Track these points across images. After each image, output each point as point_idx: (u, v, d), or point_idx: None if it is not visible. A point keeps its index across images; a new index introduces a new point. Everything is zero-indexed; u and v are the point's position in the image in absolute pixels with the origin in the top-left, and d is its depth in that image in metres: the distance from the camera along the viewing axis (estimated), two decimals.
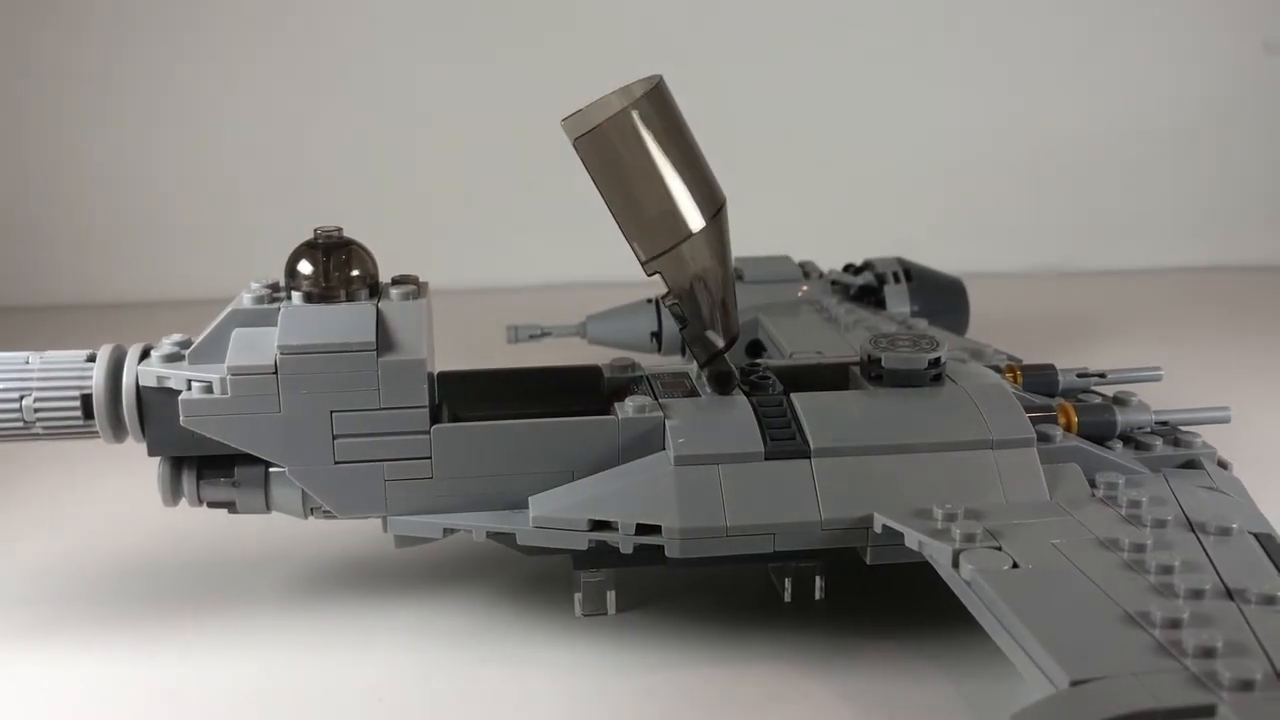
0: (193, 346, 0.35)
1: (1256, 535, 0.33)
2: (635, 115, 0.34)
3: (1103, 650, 0.27)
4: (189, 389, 0.34)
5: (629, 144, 0.34)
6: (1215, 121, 0.87)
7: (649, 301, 0.59)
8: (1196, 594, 0.29)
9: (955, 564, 0.32)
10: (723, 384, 0.38)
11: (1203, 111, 0.87)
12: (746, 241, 0.63)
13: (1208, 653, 0.26)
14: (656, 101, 0.35)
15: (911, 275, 0.60)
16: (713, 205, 0.35)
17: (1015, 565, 0.31)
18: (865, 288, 0.60)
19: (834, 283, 0.60)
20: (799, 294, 0.59)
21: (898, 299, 0.59)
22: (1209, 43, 0.86)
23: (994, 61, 0.87)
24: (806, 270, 0.62)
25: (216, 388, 0.34)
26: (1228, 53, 0.86)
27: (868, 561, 0.36)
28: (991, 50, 0.87)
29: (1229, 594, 0.29)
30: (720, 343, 0.37)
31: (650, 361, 0.44)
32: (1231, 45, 0.86)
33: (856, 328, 0.54)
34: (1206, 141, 0.87)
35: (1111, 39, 0.87)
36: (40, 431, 0.36)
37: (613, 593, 0.39)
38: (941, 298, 0.60)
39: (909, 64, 0.87)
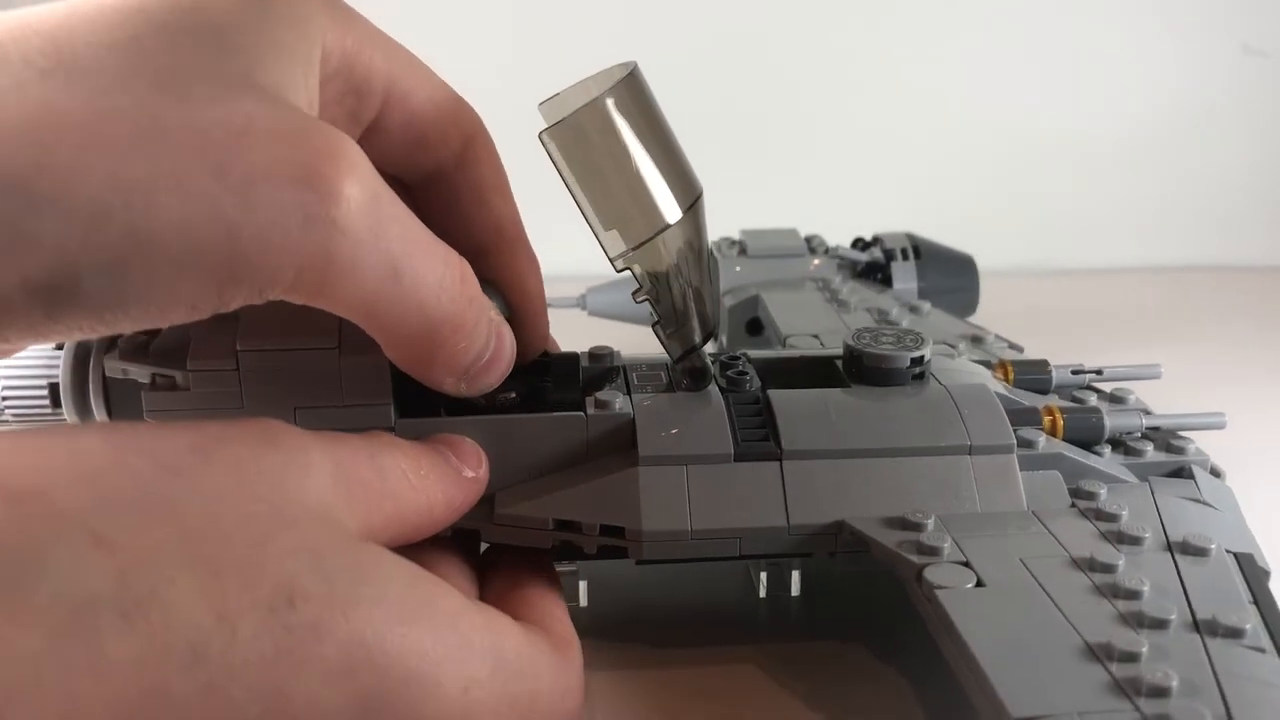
0: (157, 340, 0.35)
1: (1236, 555, 0.32)
2: (609, 104, 0.33)
3: (1053, 686, 0.26)
4: (152, 384, 0.34)
5: (603, 134, 0.33)
6: (1205, 122, 0.85)
7: None
8: (1160, 624, 0.28)
9: (919, 578, 0.31)
10: (697, 379, 0.37)
11: (1186, 111, 0.85)
12: (754, 215, 0.62)
13: (1160, 693, 0.25)
14: (631, 89, 0.33)
15: (920, 252, 0.58)
16: (689, 196, 0.34)
17: (980, 583, 0.31)
18: (872, 264, 0.59)
19: (840, 258, 0.59)
20: (810, 269, 0.58)
21: (905, 275, 0.58)
22: (1190, 43, 0.84)
23: (986, 62, 0.84)
24: (813, 245, 0.60)
25: (179, 382, 0.34)
26: (1210, 53, 0.83)
27: (837, 567, 0.35)
28: (981, 51, 0.84)
29: (1195, 625, 0.29)
30: (696, 339, 0.36)
31: (635, 355, 0.42)
32: (1212, 46, 0.83)
33: (859, 309, 0.53)
34: (1199, 142, 0.85)
35: (1095, 40, 0.84)
36: (9, 419, 0.36)
37: (585, 584, 0.39)
38: (950, 274, 0.59)
39: (908, 64, 0.84)
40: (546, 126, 0.33)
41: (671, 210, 0.34)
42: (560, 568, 0.38)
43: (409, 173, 0.34)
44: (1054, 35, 0.84)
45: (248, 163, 0.25)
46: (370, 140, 0.33)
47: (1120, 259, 0.84)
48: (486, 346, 0.32)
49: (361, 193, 0.26)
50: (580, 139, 0.33)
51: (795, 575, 0.40)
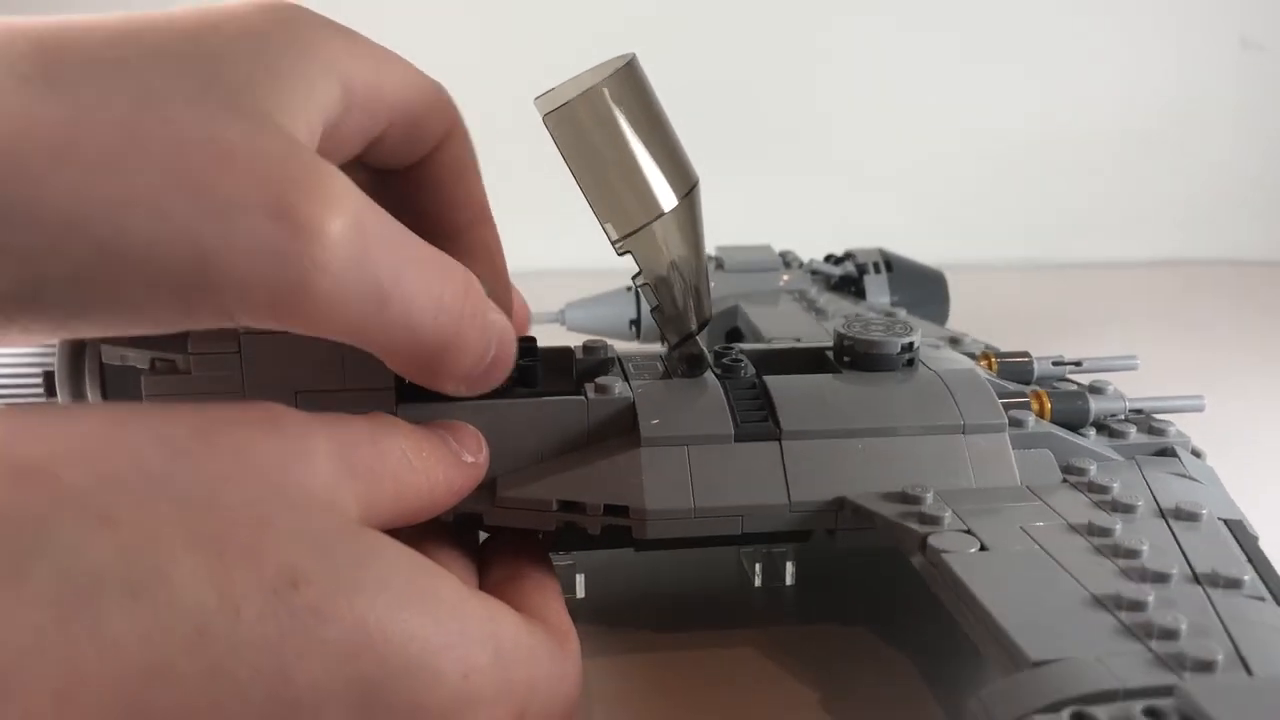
0: None
1: (1226, 522, 0.33)
2: (607, 92, 0.34)
3: (1066, 632, 0.27)
4: (152, 368, 0.34)
5: (600, 121, 0.34)
6: (1193, 116, 0.87)
7: (628, 290, 0.59)
8: (1162, 578, 0.29)
9: (923, 546, 0.32)
10: (694, 365, 0.38)
11: (1182, 106, 0.87)
12: (729, 230, 0.63)
13: (1170, 634, 0.26)
14: (629, 79, 0.34)
15: (892, 266, 0.60)
16: (685, 184, 0.35)
17: (983, 548, 0.31)
18: (846, 278, 0.60)
19: (814, 272, 0.60)
20: (780, 283, 0.59)
21: (878, 289, 0.59)
22: (1186, 38, 0.86)
23: (975, 57, 0.87)
24: (787, 260, 0.61)
25: (180, 366, 0.34)
26: (1205, 48, 0.86)
27: (836, 545, 0.36)
28: (973, 46, 0.86)
29: (1195, 578, 0.29)
30: (692, 324, 0.37)
31: (627, 349, 0.43)
32: (1208, 40, 0.86)
33: (836, 317, 0.54)
34: (1185, 136, 0.87)
35: (1090, 34, 0.86)
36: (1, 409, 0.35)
37: (582, 576, 0.39)
38: (921, 289, 0.60)
39: (892, 60, 0.86)
40: (546, 112, 0.34)
41: (667, 198, 0.35)
42: (557, 560, 0.38)
43: (393, 164, 0.34)
44: (1045, 27, 0.85)
45: (225, 189, 0.25)
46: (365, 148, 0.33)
47: (1110, 254, 0.85)
48: (487, 353, 0.31)
49: (344, 227, 0.26)
50: (578, 126, 0.34)
51: (789, 566, 0.40)
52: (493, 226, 0.36)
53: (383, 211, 0.28)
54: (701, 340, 0.38)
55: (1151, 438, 0.39)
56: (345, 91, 0.29)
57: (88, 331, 0.27)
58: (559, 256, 0.79)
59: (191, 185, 0.25)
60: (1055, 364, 0.43)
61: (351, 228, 0.26)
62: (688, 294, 0.36)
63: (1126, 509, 0.33)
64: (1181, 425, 0.40)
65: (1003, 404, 0.37)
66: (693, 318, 0.37)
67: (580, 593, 0.39)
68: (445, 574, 0.27)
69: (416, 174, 0.35)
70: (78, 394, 0.35)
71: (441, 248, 0.32)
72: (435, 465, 0.31)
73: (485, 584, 0.33)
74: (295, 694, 0.23)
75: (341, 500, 0.27)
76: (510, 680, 0.27)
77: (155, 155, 0.25)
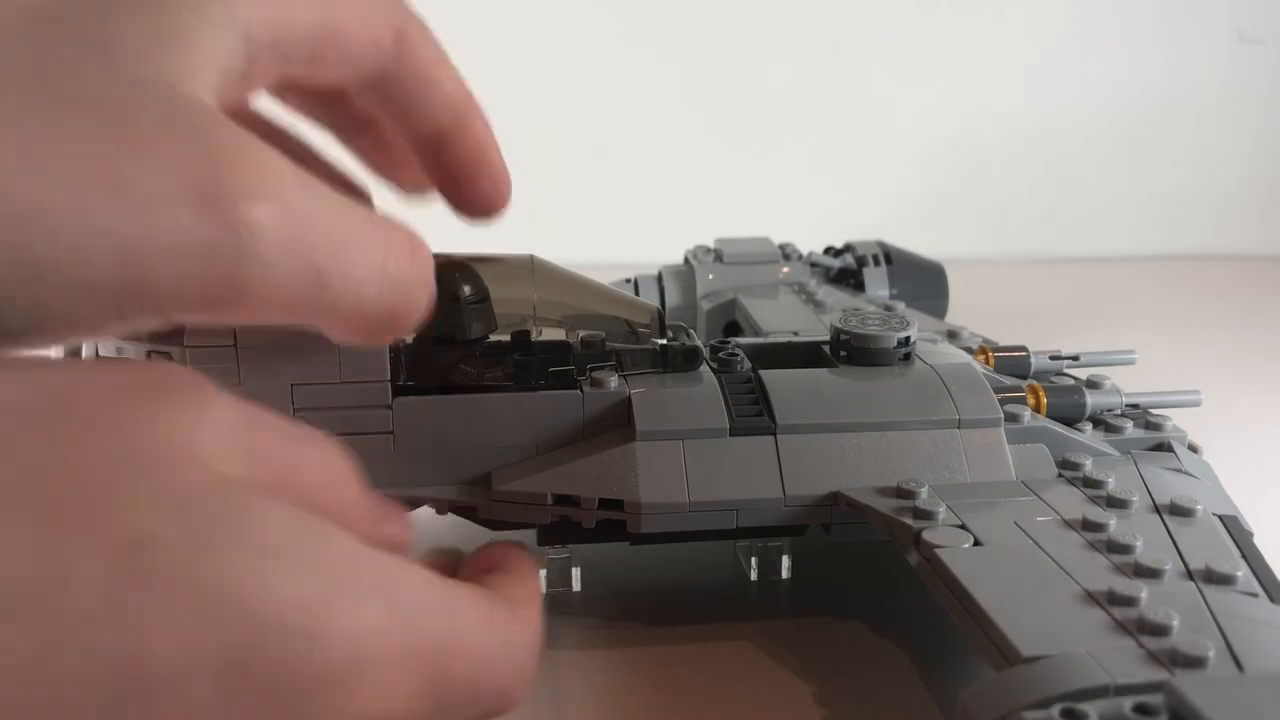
0: None
1: (1221, 518, 0.33)
2: None
3: (1058, 628, 0.27)
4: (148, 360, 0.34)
5: None
6: (1190, 110, 0.87)
7: (627, 281, 0.59)
8: (1155, 574, 0.29)
9: (917, 541, 0.32)
10: (690, 360, 0.38)
11: (1179, 100, 0.87)
12: (728, 222, 0.63)
13: (1162, 630, 0.26)
14: None
15: (891, 259, 0.60)
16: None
17: (977, 543, 0.31)
18: (845, 270, 0.60)
19: (813, 265, 0.60)
20: (780, 275, 0.59)
21: (877, 282, 0.59)
22: (1184, 31, 0.86)
23: (974, 50, 0.86)
24: (787, 252, 0.61)
25: (176, 360, 0.34)
26: (1202, 42, 0.86)
27: (831, 539, 0.36)
28: (970, 38, 0.86)
29: (1188, 574, 0.29)
30: (649, 338, 0.38)
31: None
32: (1206, 34, 0.86)
33: (835, 310, 0.54)
34: (1182, 130, 0.87)
35: (1088, 28, 0.86)
36: None
37: (578, 569, 0.39)
38: (921, 282, 0.60)
39: (890, 51, 0.86)
40: None
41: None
42: (554, 555, 0.38)
43: (349, 82, 0.32)
44: (1042, 21, 0.85)
45: (145, 183, 0.23)
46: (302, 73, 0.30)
47: (1107, 248, 0.85)
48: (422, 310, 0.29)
49: (271, 212, 0.24)
50: None
51: (785, 559, 0.40)
52: (481, 118, 0.34)
53: (315, 183, 0.26)
54: (697, 334, 0.38)
55: (1148, 433, 0.39)
56: (248, 40, 0.27)
57: (18, 348, 0.24)
58: (556, 251, 0.79)
59: (110, 183, 0.23)
60: (1052, 358, 0.43)
61: (281, 211, 0.24)
62: (599, 315, 0.38)
63: (1121, 504, 0.33)
64: (1178, 420, 0.40)
65: (998, 399, 0.37)
66: (638, 333, 0.38)
67: (576, 586, 0.39)
68: (337, 531, 0.24)
69: (386, 85, 0.32)
70: None
71: (426, 157, 0.33)
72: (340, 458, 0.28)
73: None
74: (151, 669, 0.21)
75: (228, 467, 0.24)
76: (414, 645, 0.24)
77: (69, 154, 0.23)
